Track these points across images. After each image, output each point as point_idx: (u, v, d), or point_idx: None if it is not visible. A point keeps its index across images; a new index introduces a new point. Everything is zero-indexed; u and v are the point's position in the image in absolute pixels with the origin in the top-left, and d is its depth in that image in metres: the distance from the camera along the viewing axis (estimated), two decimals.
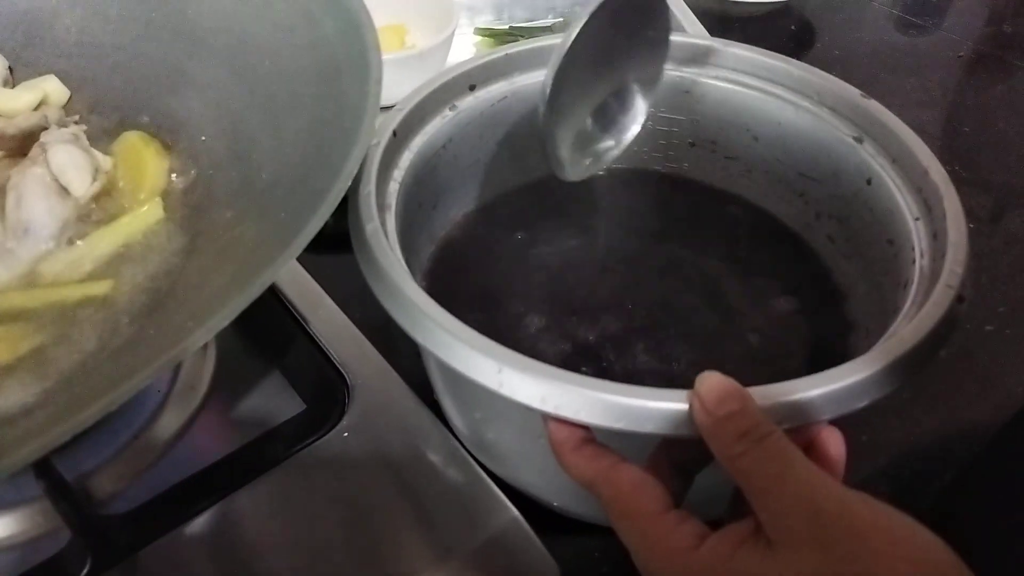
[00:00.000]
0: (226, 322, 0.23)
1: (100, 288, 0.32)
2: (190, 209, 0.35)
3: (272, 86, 0.35)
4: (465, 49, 0.62)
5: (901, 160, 0.33)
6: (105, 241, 0.33)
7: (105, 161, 0.38)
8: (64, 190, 0.36)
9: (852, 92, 0.36)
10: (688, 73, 0.40)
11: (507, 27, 0.64)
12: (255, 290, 0.24)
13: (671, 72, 0.40)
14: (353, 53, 0.31)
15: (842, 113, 0.36)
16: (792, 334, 0.35)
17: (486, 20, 0.64)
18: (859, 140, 0.35)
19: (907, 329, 0.26)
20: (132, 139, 0.38)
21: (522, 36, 0.62)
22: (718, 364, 0.24)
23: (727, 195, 0.41)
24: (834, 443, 0.25)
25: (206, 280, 0.30)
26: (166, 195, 0.36)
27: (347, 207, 0.30)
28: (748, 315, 0.36)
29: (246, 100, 0.36)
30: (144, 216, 0.34)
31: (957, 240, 0.28)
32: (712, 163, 0.41)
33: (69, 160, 0.36)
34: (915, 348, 0.25)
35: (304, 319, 0.41)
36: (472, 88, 0.38)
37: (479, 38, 0.63)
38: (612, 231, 0.41)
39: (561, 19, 0.64)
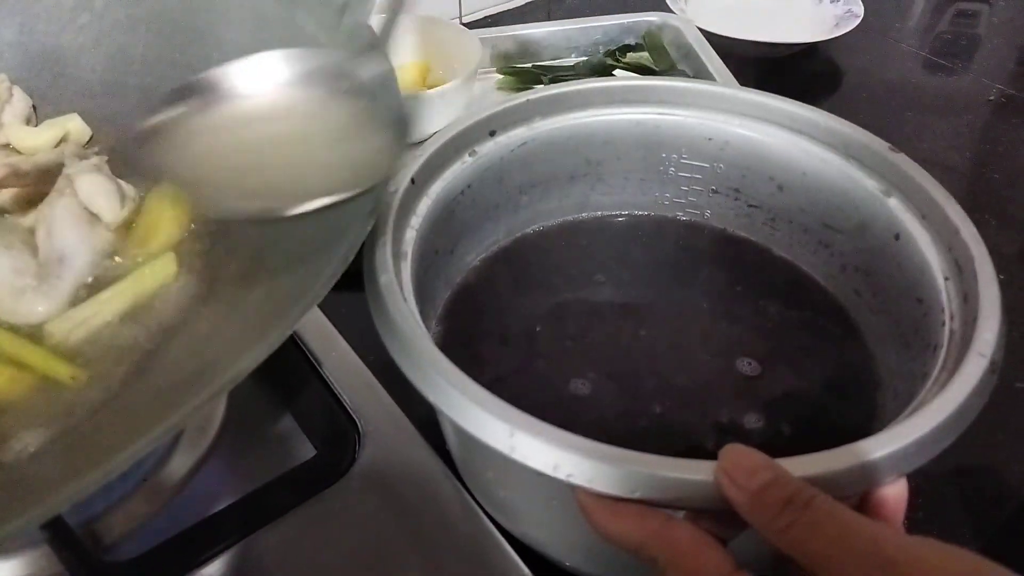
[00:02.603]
0: (242, 376, 0.23)
1: (64, 371, 0.31)
2: (207, 256, 0.35)
3: None
4: (488, 87, 0.62)
5: (931, 216, 0.32)
6: (114, 303, 0.33)
7: (130, 189, 0.38)
8: (94, 217, 0.36)
9: (880, 145, 0.35)
10: (711, 120, 0.39)
11: (530, 66, 0.64)
12: (274, 341, 0.24)
13: (694, 119, 0.39)
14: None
15: (870, 165, 0.35)
16: (819, 392, 0.34)
17: (509, 59, 0.64)
18: (887, 194, 0.34)
19: (937, 400, 0.25)
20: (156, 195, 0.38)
21: (544, 75, 0.62)
22: (741, 421, 0.23)
23: (749, 243, 0.41)
24: (895, 489, 0.24)
25: (220, 330, 0.30)
26: (182, 244, 0.36)
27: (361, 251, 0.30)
28: (771, 368, 0.35)
29: None
30: (155, 272, 0.34)
31: (990, 305, 0.27)
32: (735, 211, 0.41)
33: (96, 188, 0.36)
34: (944, 423, 0.24)
35: (318, 361, 0.40)
36: (492, 134, 0.38)
37: (501, 76, 0.63)
38: (632, 278, 0.40)
39: (585, 58, 0.64)
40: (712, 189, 0.41)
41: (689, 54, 0.61)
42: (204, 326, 0.31)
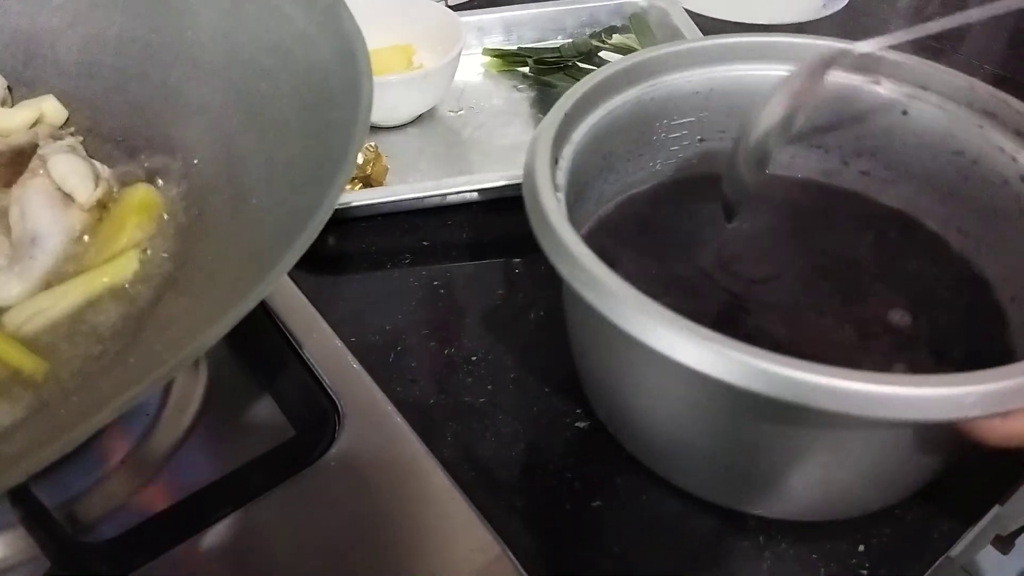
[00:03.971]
0: (209, 344, 0.23)
1: (31, 364, 0.31)
2: (178, 235, 0.35)
3: (267, 110, 0.35)
4: (473, 70, 0.62)
5: None
6: (71, 296, 0.33)
7: (104, 169, 0.38)
8: (68, 198, 0.36)
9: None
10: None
11: (516, 48, 0.63)
12: (232, 319, 0.23)
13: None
14: (346, 79, 0.31)
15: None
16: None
17: (494, 41, 0.64)
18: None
19: None
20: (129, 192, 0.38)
21: (530, 57, 0.61)
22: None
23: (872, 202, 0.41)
24: None
25: (190, 309, 0.30)
26: (150, 239, 0.35)
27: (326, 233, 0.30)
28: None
29: (241, 123, 0.36)
30: (116, 269, 0.33)
31: None
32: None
33: (70, 168, 0.36)
34: None
35: (298, 342, 0.40)
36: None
37: (487, 59, 0.63)
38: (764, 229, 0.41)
39: (571, 39, 0.64)
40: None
41: (676, 35, 0.60)
42: (171, 310, 0.31)
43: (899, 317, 0.38)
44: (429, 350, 0.41)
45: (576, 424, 0.38)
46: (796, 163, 0.44)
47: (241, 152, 0.35)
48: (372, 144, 0.50)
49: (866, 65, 0.40)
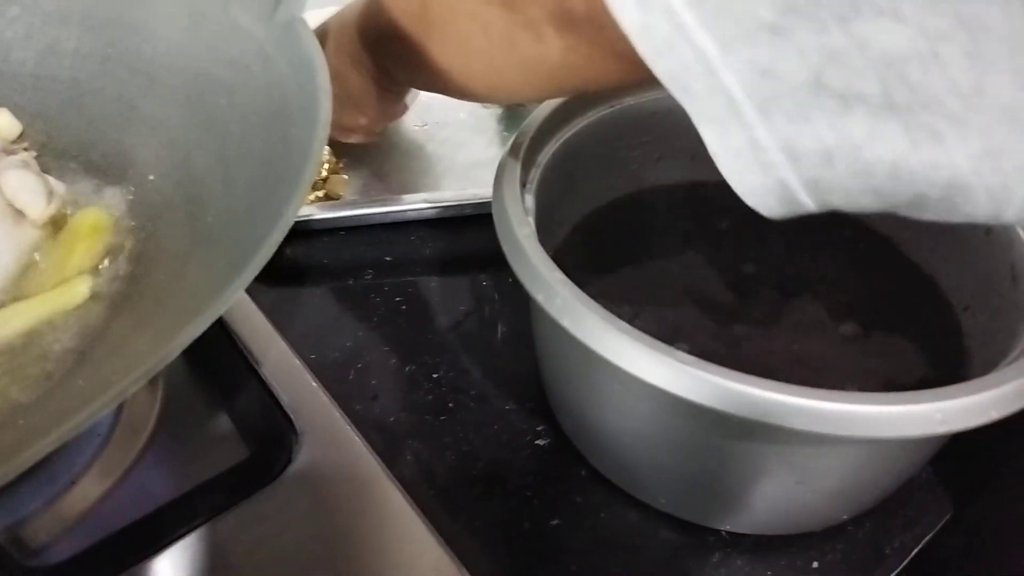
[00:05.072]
0: (158, 368, 0.22)
1: None
2: (132, 254, 0.34)
3: (225, 126, 0.34)
4: None
5: None
6: (15, 321, 0.32)
7: (58, 185, 0.37)
8: (19, 214, 0.35)
9: None
10: None
11: None
12: (181, 344, 0.23)
13: None
14: (304, 96, 0.31)
15: None
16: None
17: None
18: None
19: None
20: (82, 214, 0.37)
21: None
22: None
23: None
24: None
25: (142, 331, 0.29)
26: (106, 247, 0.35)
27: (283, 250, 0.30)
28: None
29: (198, 140, 0.35)
30: (65, 295, 0.33)
31: None
32: None
33: (22, 184, 0.36)
34: None
35: (255, 360, 0.40)
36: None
37: None
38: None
39: None
40: None
41: None
42: (123, 331, 0.31)
43: (852, 329, 0.39)
44: (390, 367, 0.41)
45: (536, 442, 0.38)
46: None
47: (198, 169, 0.35)
48: (328, 149, 0.50)
49: None
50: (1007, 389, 0.26)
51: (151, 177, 0.36)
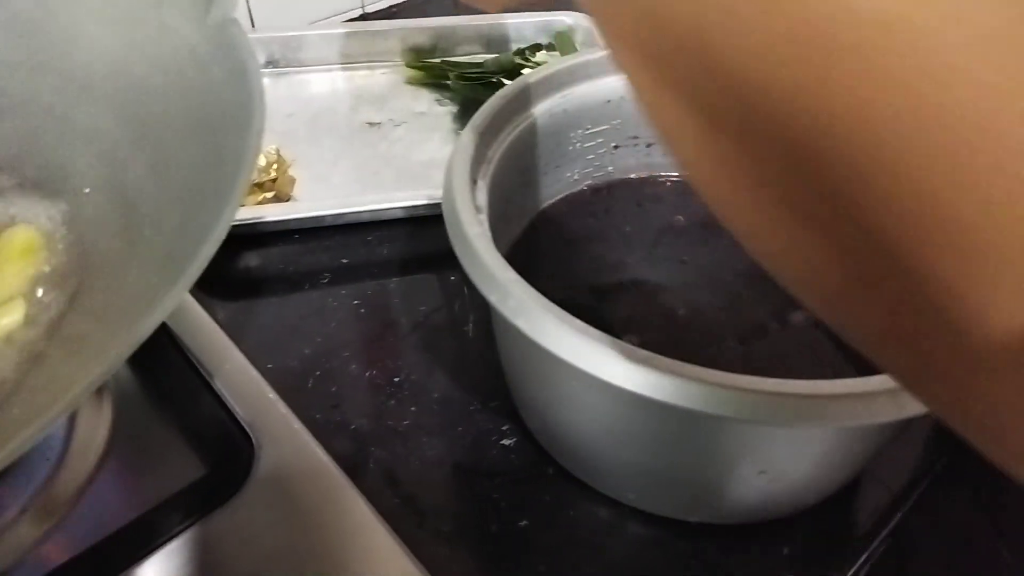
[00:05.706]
0: (90, 392, 0.21)
1: None
2: (67, 272, 0.33)
3: (159, 134, 0.33)
4: (394, 81, 0.61)
5: None
6: None
7: None
8: None
9: None
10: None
11: (439, 61, 0.62)
12: (119, 359, 0.22)
13: None
14: (238, 99, 0.30)
15: None
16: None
17: (418, 53, 0.63)
18: None
19: None
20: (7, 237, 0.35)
21: (451, 70, 0.61)
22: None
23: None
24: None
25: (77, 354, 0.28)
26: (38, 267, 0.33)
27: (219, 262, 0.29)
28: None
29: (133, 148, 0.34)
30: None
31: None
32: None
33: None
34: None
35: (209, 374, 0.38)
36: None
37: (409, 71, 0.62)
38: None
39: (495, 55, 0.63)
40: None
41: None
42: (58, 355, 0.29)
43: (803, 317, 0.38)
44: (350, 373, 0.40)
45: (502, 442, 0.37)
46: None
47: (133, 180, 0.33)
48: (274, 148, 0.49)
49: None
50: None
51: (87, 190, 0.35)
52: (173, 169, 0.31)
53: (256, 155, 0.27)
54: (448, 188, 0.33)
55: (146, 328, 0.23)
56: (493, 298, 0.28)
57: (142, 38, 0.36)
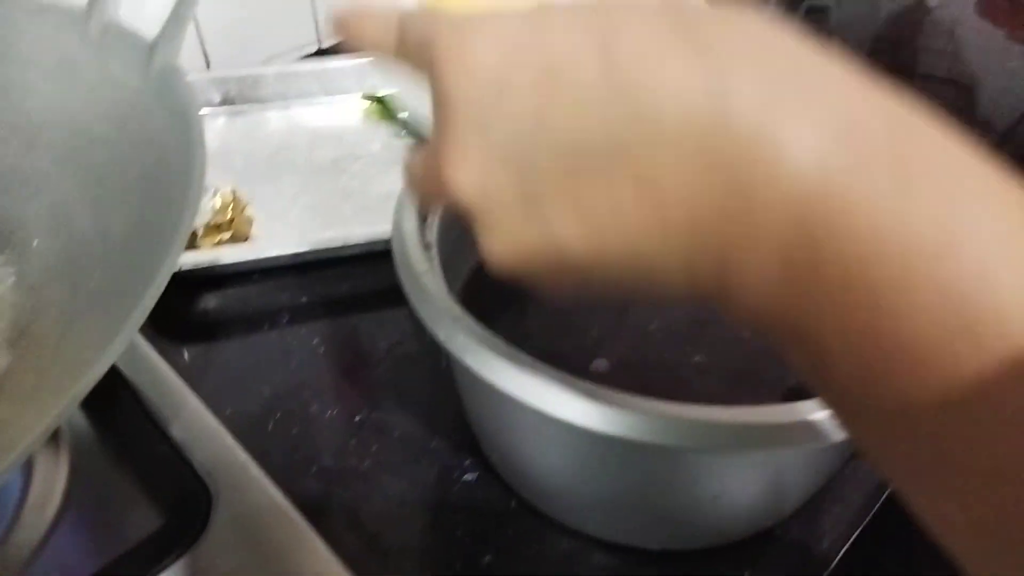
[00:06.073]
0: (30, 451, 0.21)
1: None
2: (12, 329, 0.33)
3: (104, 183, 0.33)
4: (352, 115, 0.61)
5: None
6: None
7: None
8: None
9: None
10: None
11: (396, 93, 0.63)
12: (57, 420, 0.22)
13: None
14: (180, 148, 0.30)
15: None
16: None
17: (375, 86, 0.63)
18: None
19: None
20: None
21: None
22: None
23: None
24: None
25: (21, 413, 0.27)
26: None
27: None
28: None
29: (80, 198, 0.34)
30: None
31: None
32: None
33: None
34: None
35: (165, 421, 0.38)
36: None
37: (367, 104, 0.62)
38: None
39: None
40: None
41: None
42: (3, 418, 0.29)
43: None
44: (310, 414, 0.40)
45: (464, 477, 0.37)
46: None
47: (80, 229, 0.33)
48: (230, 189, 0.49)
49: None
50: None
51: (35, 243, 0.35)
52: (118, 218, 0.31)
53: (197, 203, 0.27)
54: (397, 226, 0.33)
55: (87, 383, 0.23)
56: (441, 336, 0.28)
57: (87, 88, 0.36)
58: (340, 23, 0.23)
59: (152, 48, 0.34)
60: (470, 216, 0.19)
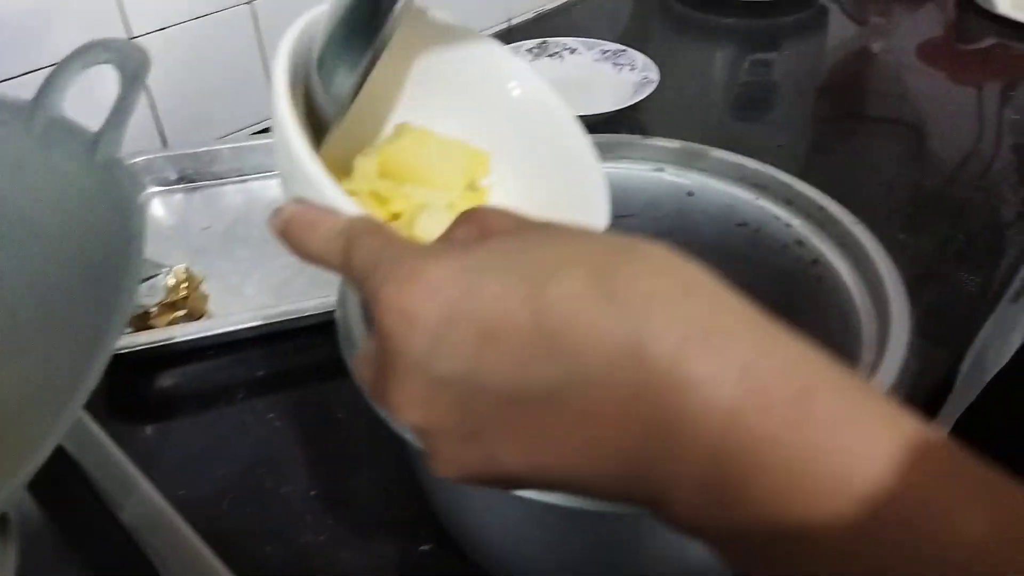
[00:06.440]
0: None
1: None
2: None
3: (49, 273, 0.34)
4: None
5: None
6: None
7: None
8: None
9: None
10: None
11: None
12: (12, 493, 0.22)
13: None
14: (120, 242, 0.30)
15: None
16: None
17: None
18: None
19: None
20: None
21: None
22: None
23: None
24: None
25: None
26: None
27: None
28: None
29: (26, 292, 0.34)
30: None
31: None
32: None
33: None
34: None
35: (115, 506, 0.38)
36: None
37: None
38: None
39: None
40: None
41: None
42: None
43: None
44: (265, 492, 0.40)
45: (421, 548, 0.37)
46: None
47: (24, 321, 0.33)
48: (183, 267, 0.49)
49: (651, 155, 0.43)
50: None
51: None
52: (61, 305, 0.31)
53: (132, 299, 0.27)
54: (341, 302, 0.33)
55: (30, 468, 0.23)
56: (383, 414, 0.28)
57: (32, 180, 0.36)
58: (282, 230, 0.24)
59: (96, 140, 0.35)
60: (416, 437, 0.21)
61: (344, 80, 0.27)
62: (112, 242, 0.32)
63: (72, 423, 0.25)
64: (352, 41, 0.26)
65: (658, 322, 0.17)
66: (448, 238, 0.23)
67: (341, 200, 0.23)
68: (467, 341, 0.18)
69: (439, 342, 0.19)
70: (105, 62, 0.34)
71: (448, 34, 0.32)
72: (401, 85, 0.33)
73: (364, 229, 0.22)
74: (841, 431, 0.16)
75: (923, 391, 0.45)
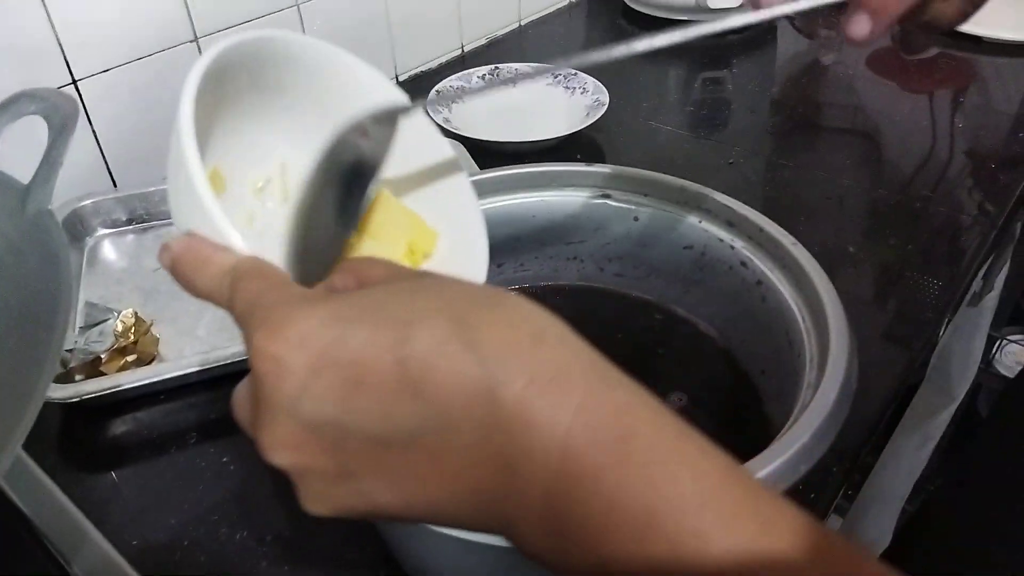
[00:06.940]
0: None
1: None
2: None
3: None
4: None
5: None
6: None
7: None
8: None
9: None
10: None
11: None
12: None
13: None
14: (51, 289, 0.30)
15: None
16: None
17: None
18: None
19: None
20: None
21: None
22: None
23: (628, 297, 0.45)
24: None
25: None
26: None
27: None
28: None
29: None
30: None
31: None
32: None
33: None
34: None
35: (66, 561, 0.37)
36: None
37: None
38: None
39: None
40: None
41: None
42: None
43: (677, 399, 0.40)
44: (220, 538, 0.39)
45: None
46: (559, 274, 0.46)
47: None
48: (130, 311, 0.48)
49: (594, 182, 0.43)
50: (790, 454, 0.28)
51: None
52: None
53: (58, 353, 0.27)
54: None
55: None
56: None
57: None
58: (171, 266, 0.24)
59: (26, 192, 0.34)
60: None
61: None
62: (42, 293, 0.31)
63: None
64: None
65: (510, 368, 0.19)
66: (328, 286, 0.23)
67: (234, 238, 0.23)
68: (335, 387, 0.19)
69: (307, 388, 0.19)
70: (33, 113, 0.34)
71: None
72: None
73: (247, 271, 0.22)
74: (651, 471, 0.18)
75: (891, 391, 0.45)
